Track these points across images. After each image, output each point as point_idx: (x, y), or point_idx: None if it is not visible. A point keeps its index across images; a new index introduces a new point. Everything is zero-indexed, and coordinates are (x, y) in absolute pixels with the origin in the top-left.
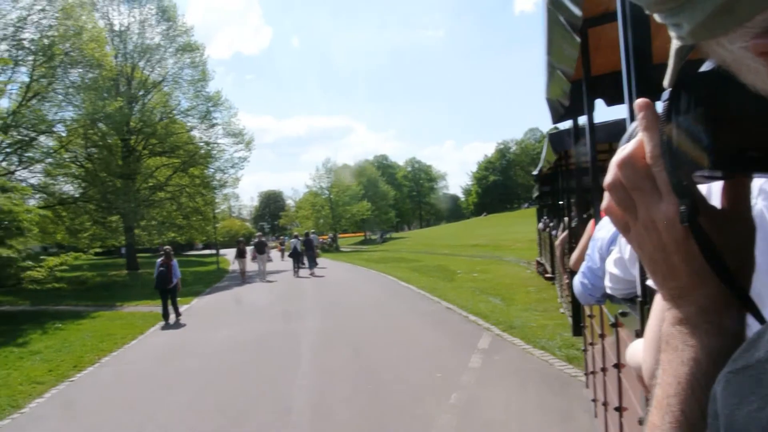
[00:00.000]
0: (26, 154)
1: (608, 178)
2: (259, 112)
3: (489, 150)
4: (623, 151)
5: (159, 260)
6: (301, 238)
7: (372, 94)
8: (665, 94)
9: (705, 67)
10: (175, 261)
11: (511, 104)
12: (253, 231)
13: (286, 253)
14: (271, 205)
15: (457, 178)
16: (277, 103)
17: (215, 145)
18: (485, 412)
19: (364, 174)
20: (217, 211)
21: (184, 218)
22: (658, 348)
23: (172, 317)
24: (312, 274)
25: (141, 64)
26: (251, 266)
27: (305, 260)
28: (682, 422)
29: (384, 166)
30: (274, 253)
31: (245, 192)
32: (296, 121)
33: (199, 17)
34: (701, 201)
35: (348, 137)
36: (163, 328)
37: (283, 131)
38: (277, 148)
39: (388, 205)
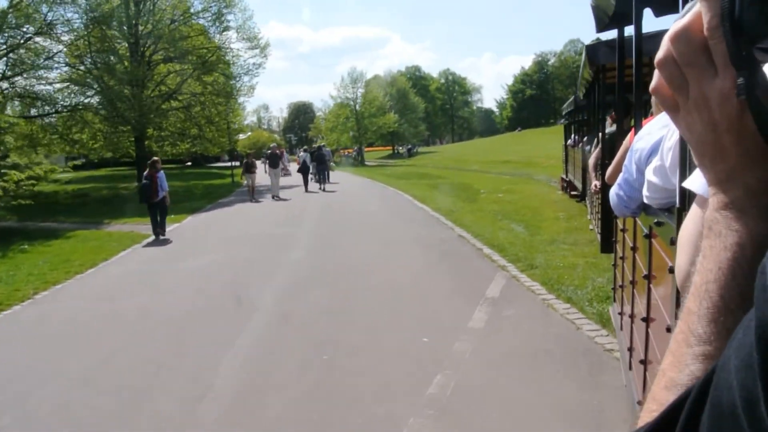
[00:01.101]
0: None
1: (659, 54)
2: (294, 21)
3: (527, 63)
4: (678, 23)
5: (145, 172)
6: (310, 152)
7: (408, 4)
8: None
9: None
10: (161, 173)
11: (552, 14)
12: (282, 142)
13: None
14: (301, 116)
15: (493, 91)
16: (312, 12)
17: (228, 50)
18: (475, 416)
19: (394, 85)
20: (233, 122)
21: (196, 128)
22: (692, 252)
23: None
24: (323, 190)
25: None
26: (266, 180)
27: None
28: (721, 308)
29: (416, 77)
30: (294, 167)
31: (277, 103)
32: (331, 31)
33: None
34: (761, 75)
35: (383, 48)
36: (146, 245)
37: (317, 42)
38: (312, 59)
39: (418, 118)
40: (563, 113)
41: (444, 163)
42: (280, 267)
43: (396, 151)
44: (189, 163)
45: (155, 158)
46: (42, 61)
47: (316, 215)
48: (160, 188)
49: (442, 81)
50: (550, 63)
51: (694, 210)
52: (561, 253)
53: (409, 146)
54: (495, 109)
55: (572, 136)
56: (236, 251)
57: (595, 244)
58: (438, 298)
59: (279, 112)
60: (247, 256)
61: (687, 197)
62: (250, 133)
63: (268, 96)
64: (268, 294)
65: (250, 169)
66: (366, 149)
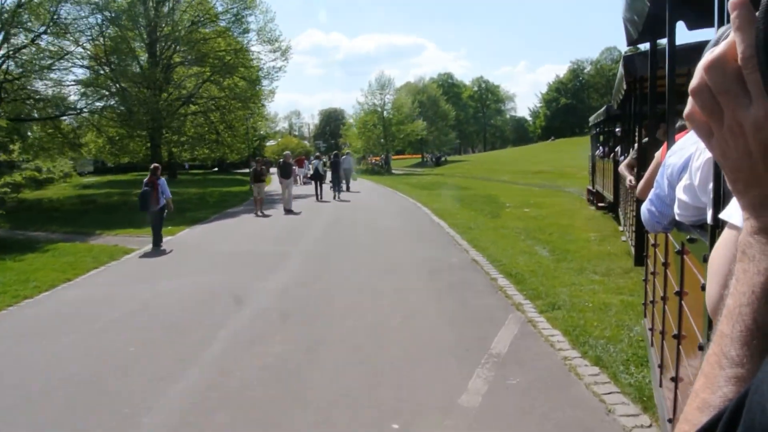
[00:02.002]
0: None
1: (693, 82)
2: (330, 28)
3: (562, 71)
4: (711, 53)
5: (146, 179)
6: (324, 159)
7: (444, 12)
8: None
9: None
10: (162, 179)
11: (588, 22)
12: (311, 149)
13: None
14: (332, 123)
15: (527, 100)
16: (348, 20)
17: (248, 52)
18: None
19: (425, 92)
20: (257, 127)
21: (214, 134)
22: (722, 278)
23: (168, 239)
24: (338, 200)
25: None
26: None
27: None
28: (753, 331)
29: (448, 85)
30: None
31: (311, 110)
32: (367, 39)
33: None
34: None
35: (419, 56)
36: (124, 262)
37: (353, 49)
38: (347, 66)
39: (448, 126)
40: (590, 124)
41: (473, 173)
42: (248, 300)
43: (424, 160)
44: (216, 169)
45: (155, 164)
46: (50, 61)
47: (320, 231)
48: (161, 195)
49: (475, 89)
50: (585, 71)
51: (725, 236)
52: (590, 286)
53: (432, 155)
54: (528, 118)
55: (600, 146)
56: (211, 275)
57: (631, 276)
58: (428, 356)
59: (310, 118)
60: (219, 283)
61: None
62: (279, 140)
63: (304, 103)
64: (215, 344)
65: (258, 177)
66: (395, 157)
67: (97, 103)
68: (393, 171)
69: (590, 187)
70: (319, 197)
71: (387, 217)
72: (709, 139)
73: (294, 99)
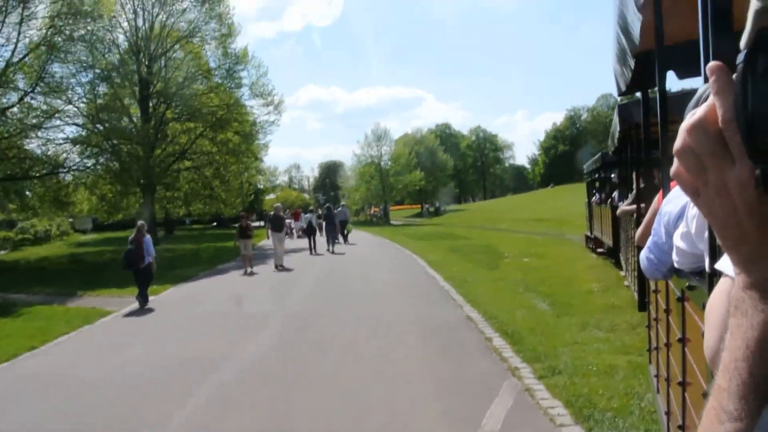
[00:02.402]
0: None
1: (677, 144)
2: (329, 83)
3: (559, 119)
4: (693, 115)
5: (131, 237)
6: (319, 212)
7: (442, 65)
8: (741, 56)
9: None
10: (148, 237)
11: (584, 71)
12: (310, 202)
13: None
14: (332, 175)
15: (525, 148)
16: (347, 74)
17: (241, 107)
18: None
19: (422, 143)
20: (252, 182)
21: (208, 189)
22: (720, 328)
23: (152, 299)
24: (331, 252)
25: (160, 18)
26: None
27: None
28: (750, 385)
29: (447, 135)
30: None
31: (312, 163)
32: (366, 92)
33: None
34: None
35: (418, 108)
36: (98, 325)
37: (352, 103)
38: (347, 119)
39: (447, 176)
40: (585, 171)
41: (473, 222)
42: (216, 371)
43: (424, 210)
44: (215, 224)
45: (141, 222)
46: (39, 120)
47: (308, 289)
48: (146, 253)
49: (473, 138)
50: (582, 118)
51: (721, 286)
52: (594, 345)
53: (437, 204)
54: (527, 166)
55: (596, 193)
56: (184, 342)
57: (638, 332)
58: None
59: (310, 171)
60: (189, 351)
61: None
62: (278, 193)
63: (305, 156)
64: (170, 426)
65: (244, 233)
66: (394, 207)
67: (87, 161)
68: (391, 222)
69: (588, 233)
70: (313, 251)
71: (380, 270)
72: (696, 197)
73: (295, 153)
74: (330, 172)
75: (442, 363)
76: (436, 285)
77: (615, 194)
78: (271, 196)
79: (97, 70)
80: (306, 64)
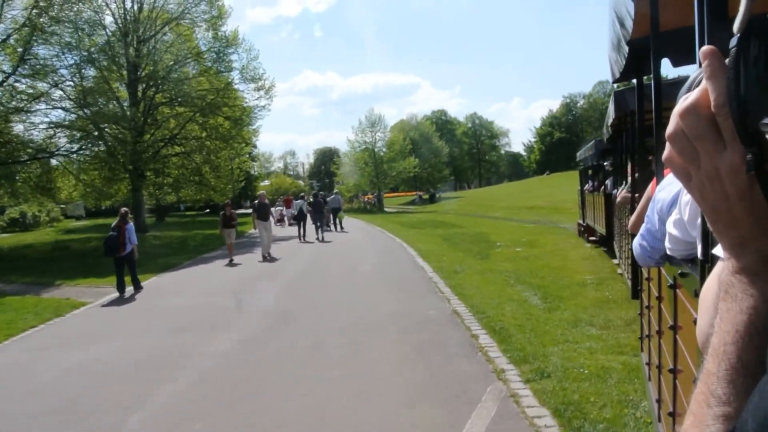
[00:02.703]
0: None
1: (670, 128)
2: (325, 69)
3: (556, 106)
4: (686, 100)
5: (113, 223)
6: (309, 199)
7: (439, 52)
8: (733, 41)
9: None
10: (131, 224)
11: (581, 57)
12: (304, 189)
13: (284, 220)
14: (327, 162)
15: (522, 135)
16: (343, 60)
17: (232, 90)
18: None
19: (417, 129)
20: (242, 167)
21: (196, 175)
22: (713, 311)
23: (129, 290)
24: (320, 240)
25: None
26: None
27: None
28: (739, 369)
29: (442, 122)
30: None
31: (307, 149)
32: (362, 78)
33: None
34: None
35: (414, 95)
36: (67, 318)
37: (349, 88)
38: (343, 105)
39: (442, 163)
40: (578, 158)
41: (467, 209)
42: (179, 370)
43: (416, 197)
44: (207, 210)
45: (124, 209)
46: (21, 104)
47: (291, 279)
48: (128, 241)
49: (469, 125)
50: (579, 105)
51: (717, 270)
52: (587, 344)
53: (432, 192)
54: (523, 153)
55: (589, 181)
56: (150, 338)
57: (634, 329)
58: None
59: (306, 158)
60: (154, 348)
61: (710, 250)
62: (273, 179)
63: (300, 143)
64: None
65: (227, 222)
66: (388, 195)
67: (74, 146)
68: (385, 209)
69: (581, 221)
70: (302, 238)
71: (367, 260)
72: (688, 182)
73: (291, 139)
74: (325, 158)
75: (424, 364)
76: (424, 276)
77: (608, 182)
78: (266, 182)
79: (84, 53)
80: (302, 50)
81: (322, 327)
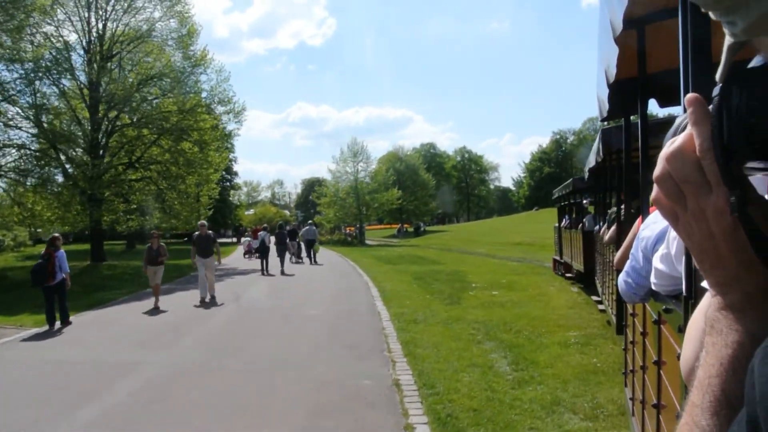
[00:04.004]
0: None
1: (657, 171)
2: (320, 101)
3: (546, 143)
4: (672, 144)
5: (43, 251)
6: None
7: (433, 87)
8: (716, 89)
9: (755, 62)
10: (62, 251)
11: (571, 94)
12: (290, 219)
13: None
14: (314, 192)
15: (511, 170)
16: (337, 93)
17: (197, 113)
18: None
19: (404, 161)
20: (209, 194)
21: (159, 202)
22: (698, 343)
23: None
24: (282, 273)
25: (114, 15)
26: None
27: (302, 252)
28: (722, 401)
29: (431, 155)
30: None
31: (297, 180)
32: (355, 111)
33: (266, 8)
34: (751, 192)
35: (406, 128)
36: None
37: (342, 121)
38: (336, 137)
39: (428, 195)
40: (555, 196)
41: (451, 244)
42: None
43: (400, 231)
44: (186, 239)
45: (55, 235)
46: None
47: (214, 328)
48: (58, 269)
49: (458, 159)
50: (568, 141)
51: (704, 303)
52: None
53: (417, 225)
54: (513, 188)
55: (566, 217)
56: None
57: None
58: None
59: (293, 188)
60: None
61: (694, 287)
62: (255, 209)
63: (292, 173)
64: None
65: (153, 259)
66: (372, 227)
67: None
68: (367, 241)
69: (557, 257)
70: (264, 272)
71: (320, 302)
72: (676, 222)
73: (283, 169)
74: (312, 188)
75: None
76: (377, 327)
77: (586, 219)
78: (250, 212)
79: (29, 64)
80: (297, 82)
81: (204, 404)
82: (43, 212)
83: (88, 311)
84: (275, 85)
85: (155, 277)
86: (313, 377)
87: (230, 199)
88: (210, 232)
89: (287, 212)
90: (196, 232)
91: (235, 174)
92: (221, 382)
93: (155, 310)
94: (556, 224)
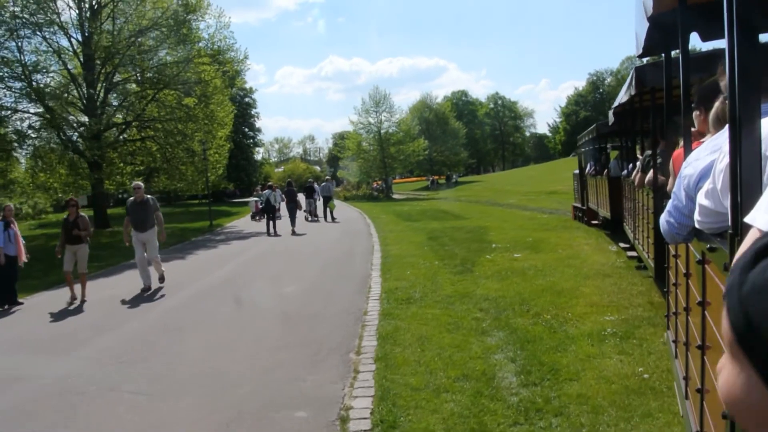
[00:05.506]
0: None
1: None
2: (352, 54)
3: (582, 85)
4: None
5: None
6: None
7: (465, 33)
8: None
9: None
10: (15, 228)
11: (608, 34)
12: (321, 174)
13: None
14: (335, 146)
15: (548, 117)
16: (369, 45)
17: (196, 64)
18: None
19: (433, 110)
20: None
21: (164, 162)
22: None
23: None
24: (294, 233)
25: None
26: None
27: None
28: None
29: (463, 103)
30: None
31: (329, 135)
32: (388, 62)
33: None
34: None
35: (440, 78)
36: None
37: (375, 73)
38: (369, 90)
39: (459, 145)
40: (579, 142)
41: (480, 196)
42: None
43: (433, 181)
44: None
45: (7, 204)
46: None
47: (132, 330)
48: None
49: (491, 106)
50: (606, 83)
51: (749, 238)
52: None
53: (449, 175)
54: (549, 134)
55: (591, 164)
56: None
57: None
58: None
59: (325, 143)
60: None
61: (739, 223)
62: (284, 166)
63: (325, 128)
64: None
65: (69, 236)
66: (402, 180)
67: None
68: (394, 195)
69: (578, 205)
70: (271, 232)
71: (301, 275)
72: None
73: (317, 125)
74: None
75: None
76: (358, 310)
77: (611, 165)
78: (279, 169)
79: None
80: (328, 35)
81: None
82: (46, 180)
83: (44, 291)
84: (306, 40)
85: (70, 261)
86: (227, 404)
87: (254, 156)
88: (149, 197)
89: (317, 168)
90: (131, 198)
91: (258, 131)
92: (108, 410)
93: (71, 304)
94: (576, 170)
